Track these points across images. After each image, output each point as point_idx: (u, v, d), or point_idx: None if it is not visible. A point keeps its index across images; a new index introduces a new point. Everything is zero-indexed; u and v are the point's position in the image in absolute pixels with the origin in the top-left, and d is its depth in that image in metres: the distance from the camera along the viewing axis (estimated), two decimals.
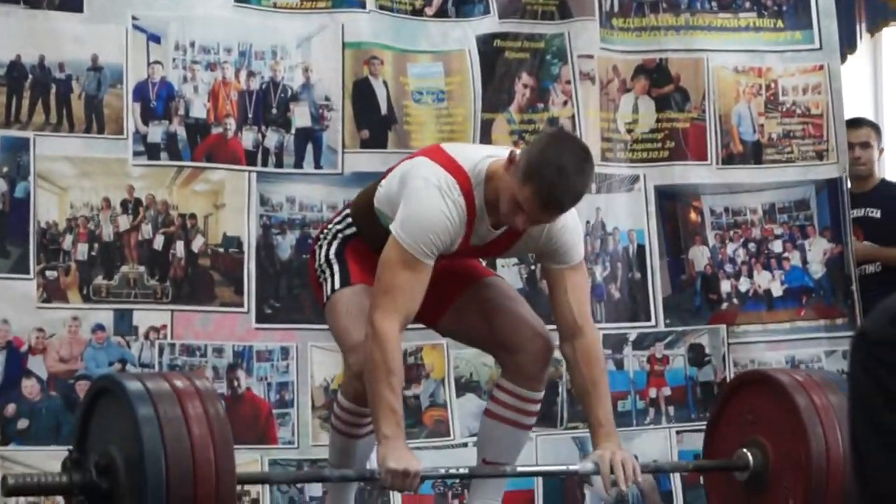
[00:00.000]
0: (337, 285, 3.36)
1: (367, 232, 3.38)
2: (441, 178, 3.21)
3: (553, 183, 3.05)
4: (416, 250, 3.20)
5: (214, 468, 2.93)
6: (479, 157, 3.27)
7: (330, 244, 3.39)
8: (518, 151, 3.17)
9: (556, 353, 4.30)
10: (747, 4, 4.75)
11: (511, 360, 3.45)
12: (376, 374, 3.23)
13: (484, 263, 3.68)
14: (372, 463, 3.50)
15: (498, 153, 3.25)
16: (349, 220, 3.43)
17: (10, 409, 4.02)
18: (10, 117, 4.12)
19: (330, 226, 3.45)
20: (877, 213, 4.99)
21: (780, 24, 4.76)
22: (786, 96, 4.72)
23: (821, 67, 4.75)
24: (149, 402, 2.95)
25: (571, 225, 3.29)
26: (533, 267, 4.36)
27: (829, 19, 4.78)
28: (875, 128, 5.19)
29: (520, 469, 3.88)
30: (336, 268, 3.38)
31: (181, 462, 2.90)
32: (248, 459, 4.05)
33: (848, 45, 6.07)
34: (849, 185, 4.79)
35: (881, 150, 5.11)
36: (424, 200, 3.21)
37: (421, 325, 4.08)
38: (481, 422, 3.58)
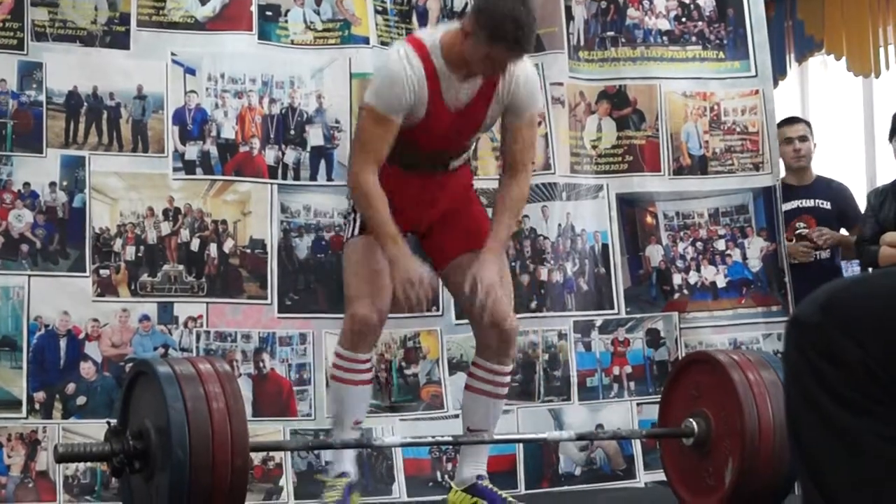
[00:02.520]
0: (355, 232, 3.45)
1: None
2: (398, 48, 3.39)
3: (516, 36, 3.16)
4: (380, 105, 3.30)
5: (230, 437, 2.97)
6: (432, 31, 3.45)
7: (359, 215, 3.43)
8: (467, 20, 3.27)
9: (536, 338, 4.41)
10: (693, 38, 4.73)
11: (481, 336, 3.51)
12: (368, 212, 3.35)
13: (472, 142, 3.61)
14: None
15: (450, 26, 3.41)
16: None
17: (71, 387, 4.01)
18: (68, 139, 4.11)
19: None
20: (827, 205, 5.01)
21: (721, 55, 4.75)
22: (727, 117, 4.71)
23: (756, 92, 4.74)
24: (175, 383, 3.01)
25: (532, 77, 3.44)
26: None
27: (763, 51, 4.77)
28: (808, 124, 5.19)
29: (502, 437, 3.96)
30: (357, 214, 3.44)
31: (201, 432, 2.94)
32: (272, 429, 4.04)
33: (779, 72, 6.14)
34: (782, 175, 4.79)
35: (815, 144, 5.10)
36: (385, 65, 3.37)
37: (420, 314, 4.13)
38: (463, 395, 3.63)
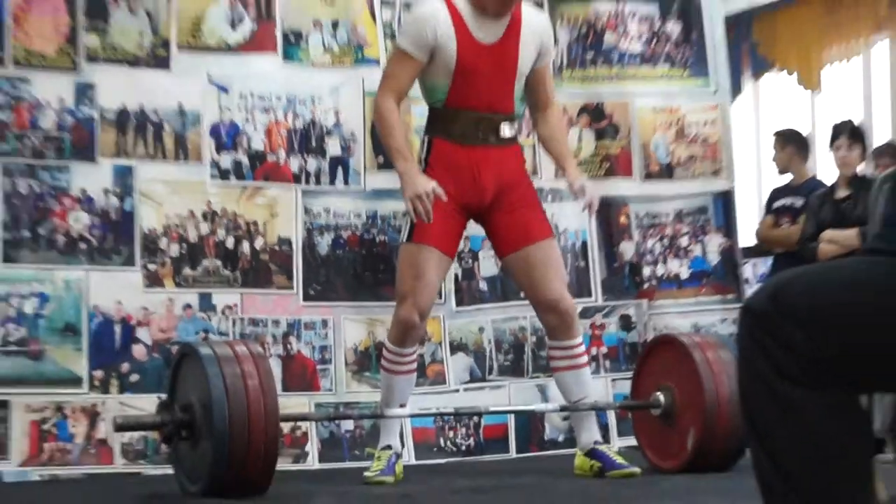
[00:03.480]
0: (405, 238, 3.43)
1: (436, 129, 3.40)
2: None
3: None
4: (404, 43, 3.30)
5: (263, 409, 3.06)
6: None
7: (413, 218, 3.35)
8: None
9: (525, 322, 4.45)
10: (662, 59, 4.71)
11: (544, 320, 3.50)
12: (384, 133, 3.38)
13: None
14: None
15: None
16: (426, 136, 3.45)
17: (125, 367, 4.04)
18: (118, 150, 4.09)
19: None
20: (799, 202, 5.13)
21: (686, 74, 4.73)
22: (690, 129, 4.70)
23: (716, 107, 4.73)
24: (216, 363, 3.09)
25: (550, 28, 3.53)
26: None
27: (722, 70, 4.77)
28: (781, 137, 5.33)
29: (495, 409, 4.04)
30: (411, 229, 3.38)
31: (238, 405, 3.03)
32: (298, 403, 4.09)
33: (736, 89, 6.08)
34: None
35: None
36: (412, 10, 3.38)
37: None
38: (554, 377, 3.60)
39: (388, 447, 3.51)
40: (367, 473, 3.43)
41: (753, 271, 5.31)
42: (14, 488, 3.71)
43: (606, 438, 4.31)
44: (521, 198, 3.47)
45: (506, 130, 3.45)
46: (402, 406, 3.52)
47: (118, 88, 4.10)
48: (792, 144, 5.28)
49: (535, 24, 3.40)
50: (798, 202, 5.16)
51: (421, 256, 3.36)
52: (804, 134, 5.34)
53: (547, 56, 3.49)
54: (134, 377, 4.04)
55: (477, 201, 3.44)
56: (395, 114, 3.32)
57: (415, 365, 3.54)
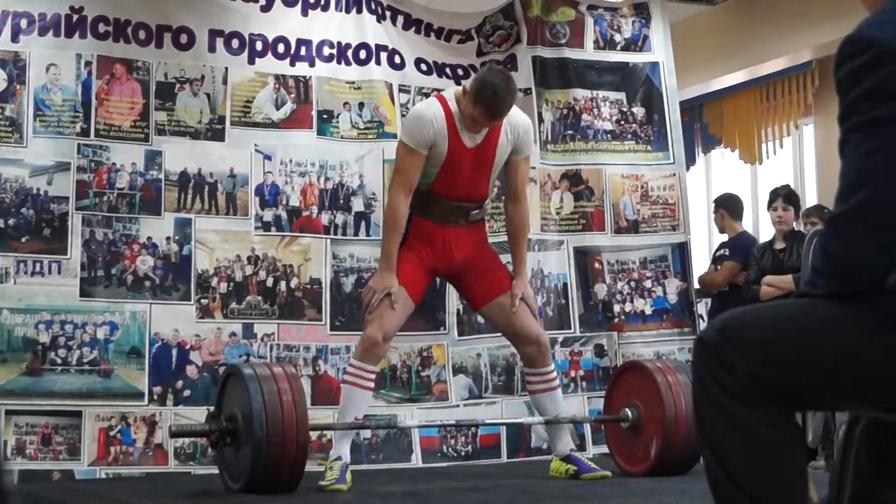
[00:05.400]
0: None
1: (419, 207, 3.25)
2: (425, 101, 3.30)
3: (489, 100, 3.06)
4: (410, 140, 3.16)
5: (295, 420, 2.97)
6: (449, 90, 3.33)
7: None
8: (468, 84, 3.15)
9: (506, 341, 4.20)
10: (629, 136, 4.66)
11: (523, 352, 3.40)
12: (386, 229, 3.24)
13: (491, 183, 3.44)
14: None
15: (464, 84, 3.25)
16: (411, 211, 3.26)
17: (179, 384, 3.98)
18: (179, 206, 4.05)
19: None
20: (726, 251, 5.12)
21: (649, 148, 4.70)
22: (653, 192, 4.66)
23: (674, 175, 4.69)
24: (256, 381, 3.01)
25: (530, 127, 3.35)
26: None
27: (679, 145, 4.74)
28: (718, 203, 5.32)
29: (490, 422, 3.96)
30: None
31: (275, 417, 2.96)
32: (324, 415, 4.00)
33: (690, 160, 6.13)
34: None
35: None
36: (413, 111, 3.26)
37: (433, 331, 4.12)
38: (530, 398, 3.48)
39: (339, 458, 3.27)
40: (322, 483, 3.20)
41: (706, 309, 5.22)
42: (84, 484, 3.67)
43: (583, 446, 4.26)
44: (487, 262, 3.43)
45: (475, 214, 3.40)
46: (356, 419, 3.29)
47: (181, 157, 4.09)
48: (723, 208, 5.25)
49: (514, 123, 3.28)
50: (727, 252, 5.10)
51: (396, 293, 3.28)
52: (735, 198, 5.31)
53: (522, 151, 3.30)
54: (186, 392, 4.00)
55: (446, 268, 3.40)
56: (403, 212, 3.19)
57: (372, 384, 3.33)
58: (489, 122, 3.14)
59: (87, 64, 3.97)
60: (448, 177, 3.24)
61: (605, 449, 3.86)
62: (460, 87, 3.28)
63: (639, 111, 4.72)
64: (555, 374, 3.48)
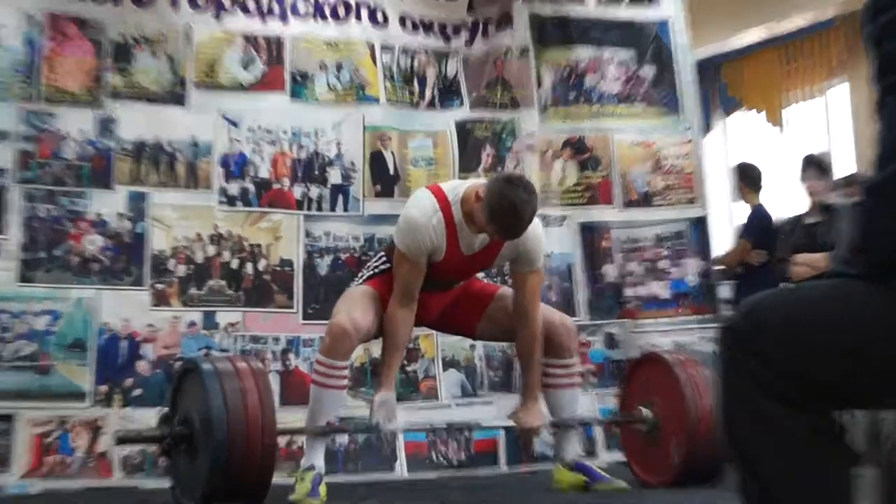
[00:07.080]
0: (358, 282, 3.21)
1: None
2: (424, 197, 3.04)
3: (509, 223, 2.87)
4: (409, 251, 3.02)
5: (261, 424, 2.76)
6: (458, 185, 3.10)
7: (369, 274, 3.19)
8: (483, 186, 2.96)
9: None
10: (639, 98, 4.45)
11: (549, 343, 3.18)
12: (386, 344, 3.09)
13: (484, 280, 3.42)
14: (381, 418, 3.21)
15: (474, 182, 3.09)
16: (384, 257, 3.20)
17: (129, 381, 3.73)
18: (133, 178, 3.85)
19: (370, 263, 3.25)
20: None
21: (661, 111, 4.46)
22: (666, 161, 4.42)
23: (689, 141, 4.44)
24: (216, 378, 2.80)
25: (538, 233, 3.09)
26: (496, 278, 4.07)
27: (695, 109, 4.50)
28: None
29: (486, 424, 3.73)
30: (363, 279, 3.19)
31: (237, 419, 2.75)
32: (295, 417, 3.66)
33: (707, 126, 6.02)
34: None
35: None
36: (412, 215, 3.03)
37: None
38: (545, 396, 3.25)
39: (312, 467, 3.05)
40: (292, 497, 2.99)
41: (731, 292, 5.01)
42: (14, 501, 3.39)
43: (593, 452, 4.03)
44: (459, 288, 3.26)
45: (457, 284, 3.26)
46: (328, 424, 3.07)
47: (136, 123, 3.90)
48: (739, 178, 5.16)
49: (514, 241, 3.05)
50: (741, 225, 5.08)
51: (367, 293, 3.13)
52: (752, 167, 5.18)
53: (528, 264, 3.08)
54: (137, 392, 3.76)
55: (426, 316, 3.25)
56: (404, 331, 3.09)
57: (345, 382, 3.12)
58: (504, 241, 3.01)
59: (36, 23, 3.81)
60: (438, 271, 3.11)
61: (619, 456, 3.66)
62: (469, 184, 3.07)
63: (648, 72, 4.50)
64: (579, 366, 3.33)
